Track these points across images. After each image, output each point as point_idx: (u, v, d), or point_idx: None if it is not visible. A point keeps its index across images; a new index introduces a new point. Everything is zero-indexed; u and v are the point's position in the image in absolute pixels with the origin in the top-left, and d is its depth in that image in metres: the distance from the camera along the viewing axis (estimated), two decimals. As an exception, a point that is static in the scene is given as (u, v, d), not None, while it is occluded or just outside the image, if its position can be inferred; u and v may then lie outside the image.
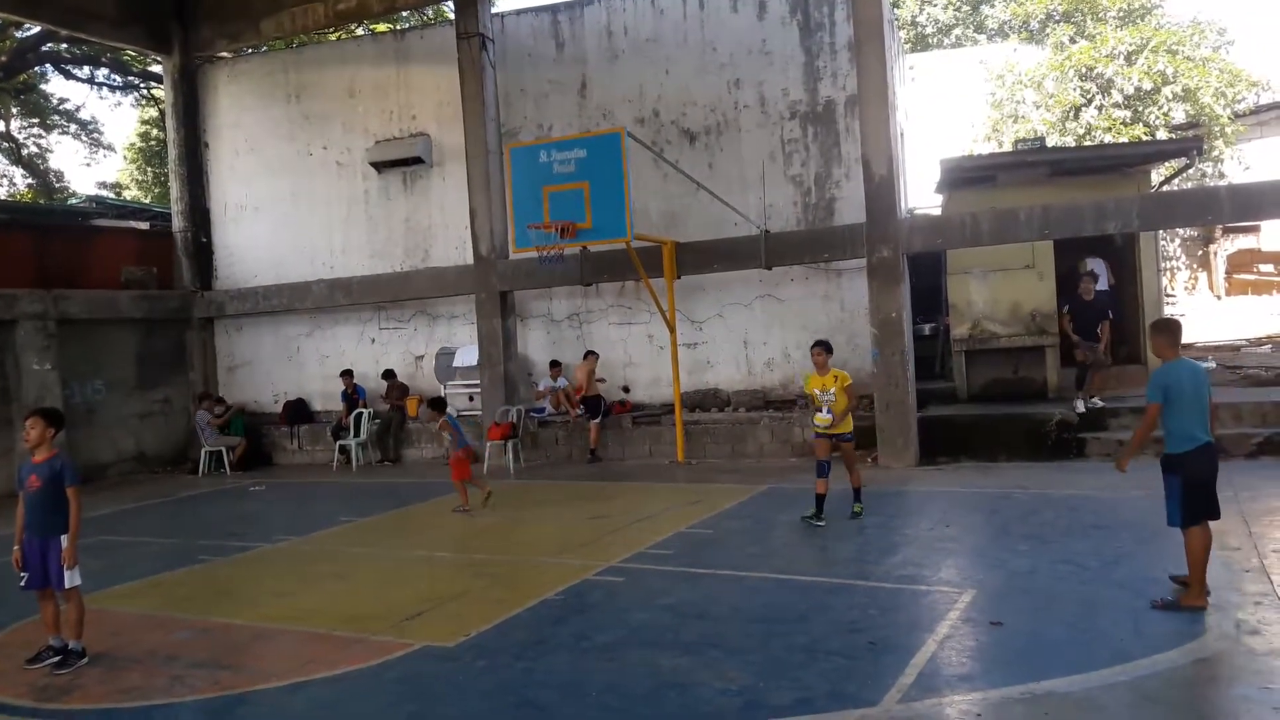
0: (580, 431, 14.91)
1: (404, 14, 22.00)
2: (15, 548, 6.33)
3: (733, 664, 5.62)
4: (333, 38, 21.20)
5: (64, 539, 6.24)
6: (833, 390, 9.05)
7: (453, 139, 16.38)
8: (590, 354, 15.37)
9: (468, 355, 16.15)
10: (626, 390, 15.94)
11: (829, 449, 9.22)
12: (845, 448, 9.30)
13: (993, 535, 8.68)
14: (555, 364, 15.48)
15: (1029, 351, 14.50)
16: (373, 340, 17.65)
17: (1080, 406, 12.52)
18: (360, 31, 21.86)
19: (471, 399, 16.11)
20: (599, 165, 12.65)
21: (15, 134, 27.55)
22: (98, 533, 10.56)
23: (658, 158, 14.58)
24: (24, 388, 15.02)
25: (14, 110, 26.76)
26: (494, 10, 16.70)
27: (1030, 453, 12.32)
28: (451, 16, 16.50)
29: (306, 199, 18.10)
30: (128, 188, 32.19)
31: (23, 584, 6.34)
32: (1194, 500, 6.14)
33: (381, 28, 21.79)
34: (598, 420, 14.66)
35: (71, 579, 6.26)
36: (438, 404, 11.84)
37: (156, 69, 23.08)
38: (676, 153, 15.19)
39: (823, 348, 9.29)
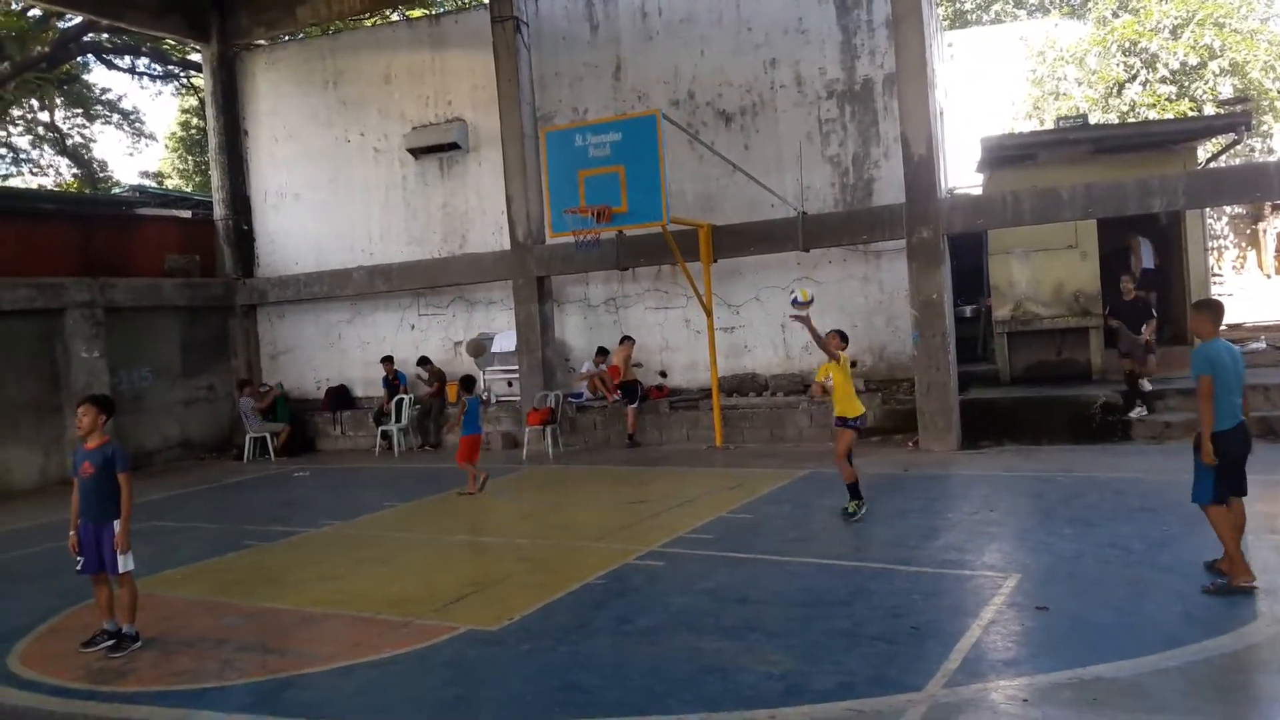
0: (618, 416, 14.95)
1: (439, -1, 22.05)
2: (71, 533, 6.46)
3: (774, 648, 5.63)
4: (368, 23, 21.27)
5: (116, 524, 6.36)
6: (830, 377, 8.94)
7: (488, 124, 16.41)
8: (627, 339, 15.38)
9: (505, 340, 16.23)
10: (664, 375, 15.94)
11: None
12: (840, 433, 9.05)
13: (1037, 519, 8.60)
14: (602, 351, 15.47)
15: (1072, 333, 14.32)
16: (412, 326, 17.79)
17: (1139, 413, 12.18)
18: (395, 17, 21.92)
19: (510, 384, 16.21)
20: (634, 148, 12.60)
21: (60, 124, 28.00)
22: (148, 518, 10.75)
23: (693, 140, 14.50)
24: (73, 375, 15.31)
25: (58, 101, 27.17)
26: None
27: (1074, 435, 12.18)
28: (485, 1, 16.49)
29: (345, 186, 18.23)
30: (169, 176, 32.64)
31: (78, 568, 6.48)
32: (1226, 478, 6.17)
33: (417, 13, 21.82)
34: (635, 405, 14.67)
35: (125, 564, 6.38)
36: (467, 383, 11.94)
37: (196, 58, 23.35)
38: (712, 134, 15.11)
39: (839, 336, 9.14)
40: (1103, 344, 14.05)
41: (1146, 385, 12.41)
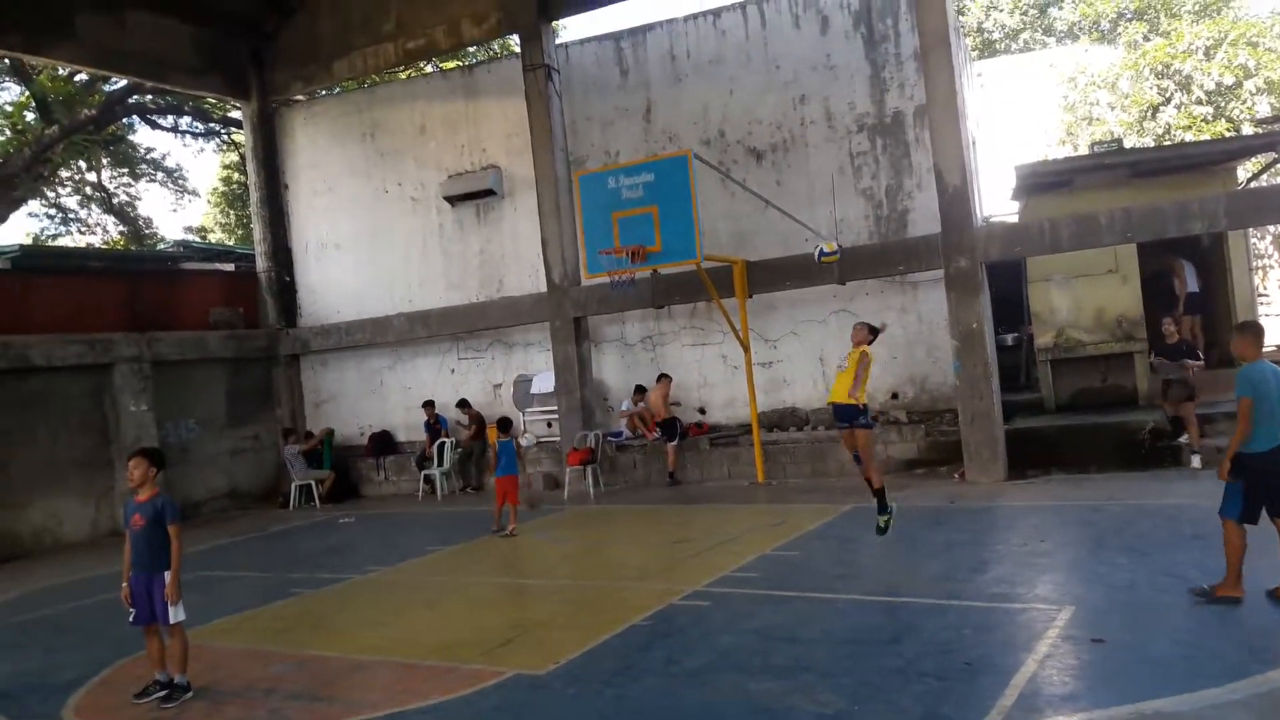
0: (658, 454, 14.93)
1: (471, 49, 22.44)
2: (123, 584, 6.55)
3: (825, 688, 5.55)
4: (403, 76, 21.71)
5: (167, 575, 6.44)
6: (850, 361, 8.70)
7: (523, 170, 16.64)
8: (664, 377, 15.40)
9: (544, 381, 16.33)
10: (702, 412, 15.91)
11: (849, 440, 8.90)
12: (859, 435, 8.73)
13: (1088, 549, 8.43)
14: (640, 389, 15.50)
15: (1117, 358, 14.12)
16: (452, 370, 17.94)
17: (1196, 462, 11.57)
18: (429, 69, 22.38)
19: (550, 425, 16.27)
20: (667, 188, 12.70)
21: (106, 184, 28.76)
22: (196, 568, 10.87)
23: (725, 178, 14.59)
24: (122, 429, 15.60)
25: (105, 161, 27.94)
26: (558, 41, 16.95)
27: (1123, 463, 11.96)
28: (517, 50, 16.80)
29: (384, 235, 18.54)
30: (212, 231, 33.35)
31: (131, 619, 6.56)
32: (1257, 498, 6.28)
33: (450, 64, 22.26)
34: (675, 443, 14.65)
35: (176, 615, 6.45)
36: (504, 425, 12.02)
37: (236, 114, 23.97)
38: (744, 172, 15.19)
39: (866, 327, 8.92)
40: (1148, 369, 13.82)
41: (1191, 441, 11.78)
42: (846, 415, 8.67)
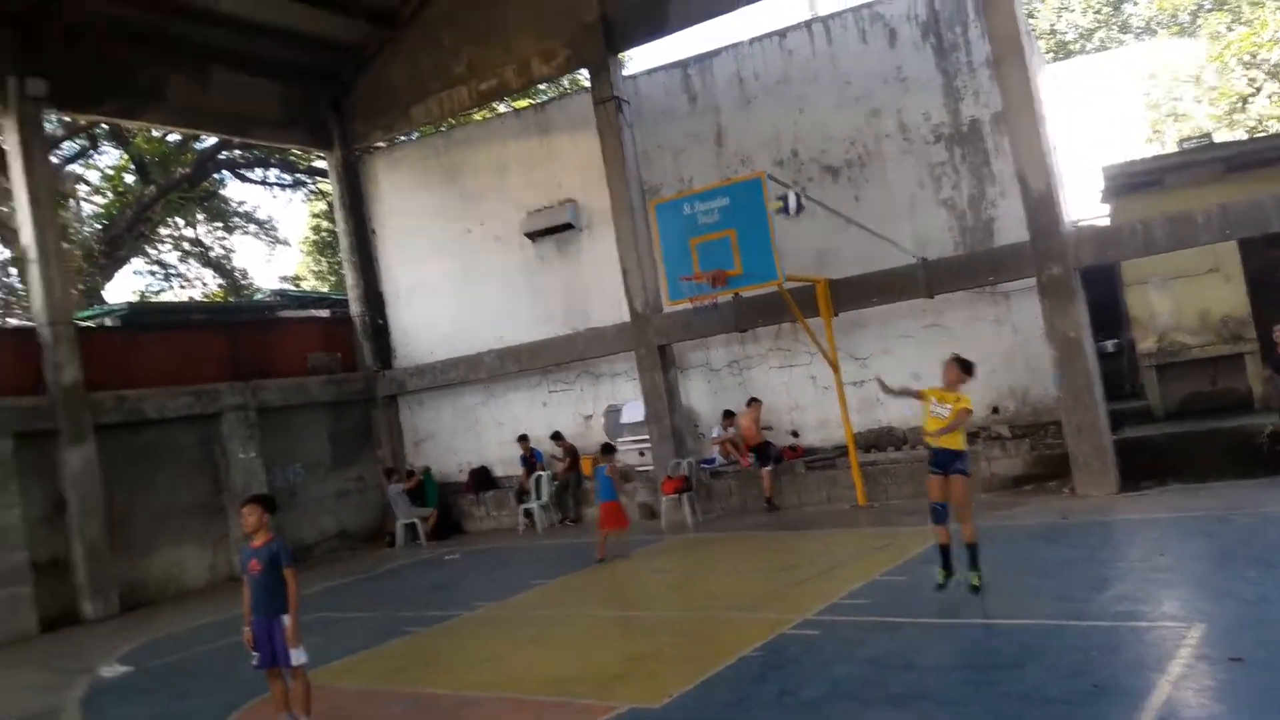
0: (753, 480, 14.82)
1: (542, 86, 22.85)
2: (245, 628, 6.76)
3: (946, 716, 5.45)
4: (477, 117, 22.21)
5: (286, 619, 6.62)
6: (950, 406, 7.74)
7: (599, 201, 16.81)
8: (753, 401, 15.31)
9: (634, 411, 16.40)
10: (795, 435, 15.78)
11: (941, 488, 7.79)
12: (955, 484, 7.74)
13: (1214, 563, 8.12)
14: (728, 414, 15.45)
15: (1225, 360, 13.61)
16: (544, 404, 18.15)
17: None
18: (503, 108, 22.83)
19: (642, 454, 16.30)
20: (742, 211, 12.70)
21: (203, 238, 29.97)
22: (311, 610, 11.05)
23: (801, 196, 14.50)
24: (232, 476, 16.16)
25: (200, 216, 29.15)
26: (627, 72, 17.16)
27: (1242, 469, 11.46)
28: (587, 84, 17.06)
29: (470, 274, 18.88)
30: (305, 278, 34.43)
31: (255, 664, 6.76)
32: None
33: (522, 103, 22.69)
34: (769, 467, 14.49)
35: (297, 657, 6.63)
36: (608, 450, 12.11)
37: (320, 164, 24.81)
38: (820, 189, 15.07)
39: (958, 364, 7.94)
40: (1261, 369, 13.28)
41: None
42: (943, 461, 7.74)
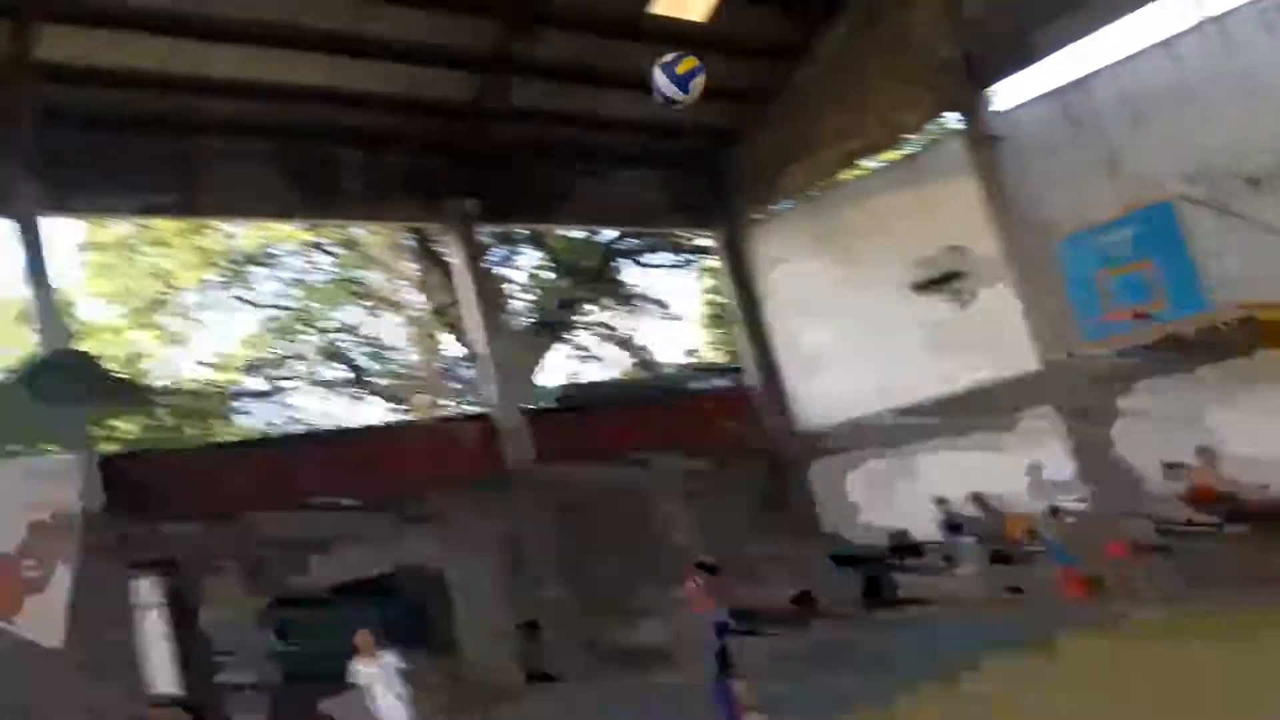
0: (1222, 542, 12.71)
1: (909, 137, 23.00)
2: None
3: None
4: (848, 176, 22.75)
5: (733, 683, 7.26)
6: None
7: (987, 246, 16.55)
8: (1206, 449, 13.37)
9: (1058, 468, 15.57)
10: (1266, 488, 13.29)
11: None
12: None
13: None
14: (1173, 466, 13.74)
15: None
16: (955, 464, 17.31)
17: None
18: (871, 165, 23.21)
19: (1073, 515, 15.20)
20: (1153, 238, 12.16)
21: (611, 322, 33.46)
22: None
23: (1222, 214, 13.38)
24: (670, 543, 17.55)
25: (608, 302, 32.67)
26: (999, 108, 16.83)
27: None
28: (956, 127, 16.96)
29: (864, 333, 19.04)
30: (704, 351, 36.90)
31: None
32: None
33: (893, 155, 22.93)
34: (1247, 527, 12.33)
35: None
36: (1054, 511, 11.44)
37: (701, 241, 26.84)
38: (1243, 204, 13.74)
39: None
40: None
41: None
42: None
